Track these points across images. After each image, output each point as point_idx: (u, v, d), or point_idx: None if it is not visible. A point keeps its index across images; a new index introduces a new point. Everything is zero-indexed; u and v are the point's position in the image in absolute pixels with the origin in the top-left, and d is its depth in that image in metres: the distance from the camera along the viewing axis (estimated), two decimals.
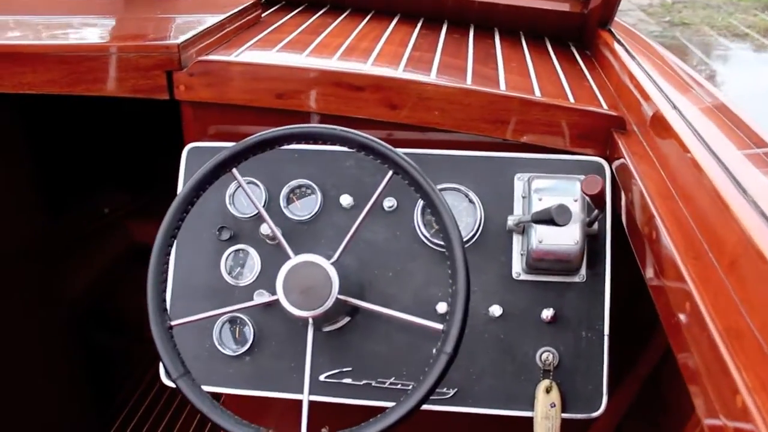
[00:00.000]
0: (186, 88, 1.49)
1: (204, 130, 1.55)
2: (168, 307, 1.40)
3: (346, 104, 1.46)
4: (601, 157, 1.41)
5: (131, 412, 2.83)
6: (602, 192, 1.10)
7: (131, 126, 2.73)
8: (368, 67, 1.54)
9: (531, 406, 1.35)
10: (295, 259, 1.21)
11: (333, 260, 1.22)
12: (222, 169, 1.22)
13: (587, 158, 1.41)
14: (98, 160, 2.78)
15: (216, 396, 1.23)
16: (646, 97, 1.40)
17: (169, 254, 1.19)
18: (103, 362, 2.86)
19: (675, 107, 1.27)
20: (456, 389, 1.36)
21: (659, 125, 1.28)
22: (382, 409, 1.36)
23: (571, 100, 1.51)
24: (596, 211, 1.24)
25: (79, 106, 1.85)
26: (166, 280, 1.19)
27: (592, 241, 1.35)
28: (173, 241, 1.20)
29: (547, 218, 1.11)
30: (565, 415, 1.34)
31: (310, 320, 1.20)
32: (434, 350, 1.35)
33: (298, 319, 1.20)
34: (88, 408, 2.61)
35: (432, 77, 1.50)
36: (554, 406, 1.32)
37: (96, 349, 2.78)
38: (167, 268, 1.19)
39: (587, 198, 1.13)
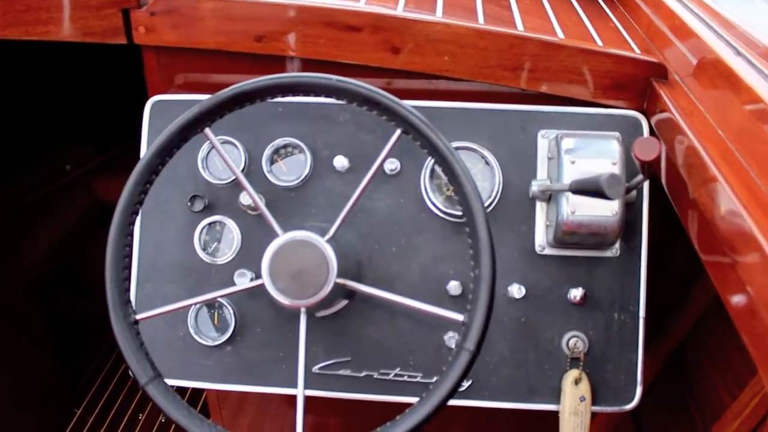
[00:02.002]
0: (147, 30, 1.26)
1: (170, 79, 1.32)
2: (133, 292, 1.21)
3: (339, 48, 1.24)
4: (637, 110, 1.21)
5: (104, 382, 2.67)
6: (658, 158, 0.91)
7: (93, 72, 2.47)
8: (363, 5, 1.31)
9: (556, 399, 1.19)
10: (282, 238, 1.01)
11: (328, 237, 1.02)
12: (192, 128, 1.00)
13: (621, 112, 1.22)
14: (57, 111, 2.53)
15: (192, 391, 1.05)
16: (692, 40, 1.19)
17: (131, 234, 0.99)
18: (71, 330, 2.68)
19: (738, 52, 1.07)
20: (471, 381, 1.19)
21: (714, 73, 1.08)
22: (385, 405, 1.19)
23: (599, 43, 1.30)
24: (639, 177, 1.04)
25: (32, 50, 1.61)
26: (128, 266, 0.98)
27: (627, 209, 1.16)
28: (135, 218, 0.99)
29: (594, 189, 0.91)
30: (595, 409, 1.18)
31: (303, 309, 1.01)
32: (451, 341, 1.18)
33: (288, 308, 1.01)
34: (57, 379, 2.43)
35: (439, 16, 1.28)
36: (584, 399, 1.15)
37: (63, 316, 2.59)
38: (130, 251, 0.99)
39: (637, 163, 0.93)
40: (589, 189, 0.93)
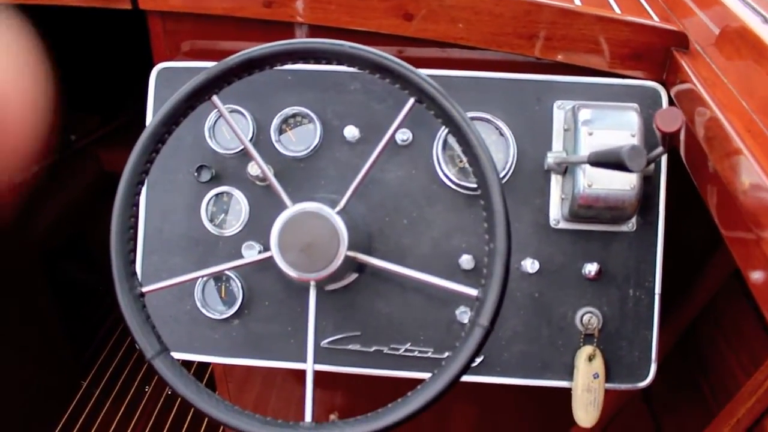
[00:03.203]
0: None
1: (176, 46, 1.29)
2: (139, 264, 1.19)
3: (350, 14, 1.20)
4: (656, 81, 1.18)
5: (111, 353, 2.67)
6: (681, 130, 0.87)
7: (99, 39, 2.43)
8: None
9: (569, 376, 1.17)
10: (292, 209, 0.98)
11: (339, 208, 0.99)
12: (199, 96, 0.97)
13: (639, 82, 1.18)
14: (62, 80, 2.49)
15: (198, 365, 1.03)
16: (714, 8, 1.15)
17: (136, 204, 0.96)
18: (77, 301, 2.68)
19: (767, 20, 1.03)
20: (482, 356, 1.17)
21: (740, 42, 1.04)
22: (395, 381, 1.17)
23: (617, 11, 1.26)
24: (660, 149, 1.01)
25: (36, 16, 1.57)
26: (134, 237, 0.96)
27: (645, 183, 1.13)
28: (140, 189, 0.96)
29: (614, 161, 0.88)
30: (608, 386, 1.16)
31: (313, 283, 0.99)
32: (463, 317, 1.16)
33: (297, 281, 0.99)
34: (65, 349, 2.44)
35: None
36: (597, 376, 1.13)
37: (69, 287, 2.59)
38: (135, 222, 0.97)
39: (658, 135, 0.90)
40: (609, 161, 0.90)
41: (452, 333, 1.17)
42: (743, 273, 0.89)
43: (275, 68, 0.98)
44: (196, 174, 1.20)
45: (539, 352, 1.17)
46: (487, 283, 0.90)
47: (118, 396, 2.51)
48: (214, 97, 0.98)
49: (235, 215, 1.21)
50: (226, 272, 1.20)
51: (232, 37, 1.28)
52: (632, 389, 1.18)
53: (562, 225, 1.16)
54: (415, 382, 0.92)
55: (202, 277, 1.14)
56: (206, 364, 1.71)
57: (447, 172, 1.16)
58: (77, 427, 2.39)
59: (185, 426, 2.41)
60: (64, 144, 2.57)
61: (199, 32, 1.28)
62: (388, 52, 0.95)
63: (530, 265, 1.16)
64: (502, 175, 1.16)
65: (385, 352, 1.19)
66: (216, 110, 1.01)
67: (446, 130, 1.08)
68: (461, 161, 1.16)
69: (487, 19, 1.17)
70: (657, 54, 1.17)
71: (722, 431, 1.12)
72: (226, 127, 1.19)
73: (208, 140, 1.20)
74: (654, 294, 1.16)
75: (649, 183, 1.15)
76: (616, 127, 1.08)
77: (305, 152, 1.19)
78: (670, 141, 0.93)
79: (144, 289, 0.96)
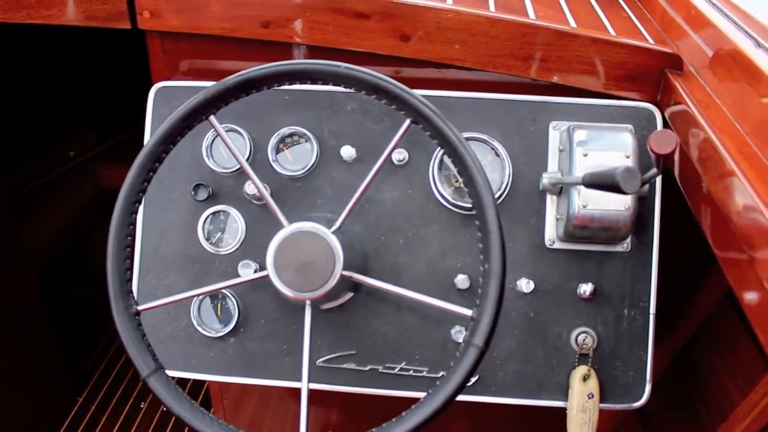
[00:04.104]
0: (151, 15, 1.23)
1: (174, 66, 1.30)
2: (135, 282, 1.19)
3: (347, 35, 1.21)
4: (650, 102, 1.19)
5: (107, 369, 2.66)
6: (674, 151, 0.88)
7: (98, 57, 2.45)
8: None
9: (563, 395, 1.17)
10: (288, 229, 0.99)
11: (335, 228, 1.00)
12: (196, 116, 0.98)
13: (634, 104, 1.19)
14: (61, 97, 2.51)
15: (194, 382, 1.03)
16: (708, 31, 1.17)
17: (133, 223, 0.97)
18: (74, 317, 2.67)
19: (759, 44, 1.04)
20: (477, 376, 1.17)
21: (733, 65, 1.05)
22: (390, 400, 1.17)
23: (612, 33, 1.27)
24: (654, 170, 1.01)
25: (36, 35, 1.59)
26: (130, 256, 0.97)
27: (639, 203, 1.14)
28: (137, 207, 0.97)
29: (608, 183, 0.88)
30: (603, 406, 1.16)
31: (308, 302, 0.99)
32: (458, 336, 1.17)
33: (293, 300, 0.99)
34: (61, 365, 2.43)
35: (449, 3, 1.25)
36: (592, 396, 1.13)
37: (66, 303, 2.58)
38: (132, 240, 0.97)
39: (652, 156, 0.91)
40: (604, 183, 0.90)
41: (447, 352, 1.17)
42: (736, 293, 0.90)
43: (273, 88, 0.99)
44: (193, 192, 1.21)
45: (534, 372, 1.17)
46: (482, 303, 0.90)
47: (113, 412, 2.50)
48: (212, 118, 0.99)
49: (231, 234, 1.21)
50: (222, 290, 1.20)
51: (230, 56, 1.29)
52: (627, 409, 1.18)
53: (557, 245, 1.17)
54: (410, 401, 0.92)
55: (198, 296, 1.14)
56: (202, 382, 1.71)
57: (443, 192, 1.17)
58: None
59: None
60: (62, 160, 2.58)
61: (197, 52, 1.29)
62: (385, 73, 0.96)
63: (525, 285, 1.16)
64: (497, 196, 1.16)
65: (380, 371, 1.19)
66: (213, 130, 1.02)
67: (442, 151, 1.09)
68: (457, 181, 1.17)
69: (484, 40, 1.19)
70: (651, 75, 1.19)
71: None
72: (224, 146, 1.19)
73: (206, 159, 1.21)
74: (649, 314, 1.17)
75: (643, 203, 1.16)
76: (611, 148, 1.09)
77: (302, 171, 1.20)
78: (664, 162, 0.94)
79: (140, 308, 0.96)
